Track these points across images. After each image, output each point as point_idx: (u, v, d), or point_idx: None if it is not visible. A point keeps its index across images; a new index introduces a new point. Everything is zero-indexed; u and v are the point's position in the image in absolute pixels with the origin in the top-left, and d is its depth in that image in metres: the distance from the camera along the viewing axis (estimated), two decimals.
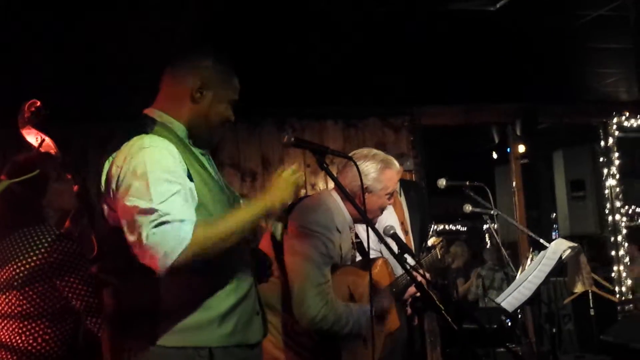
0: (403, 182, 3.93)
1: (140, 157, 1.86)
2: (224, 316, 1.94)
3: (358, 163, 2.76)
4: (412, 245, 3.73)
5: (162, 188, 1.82)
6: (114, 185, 1.88)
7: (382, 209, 2.95)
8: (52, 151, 2.34)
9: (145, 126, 1.99)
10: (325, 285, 2.61)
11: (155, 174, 1.83)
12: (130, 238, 1.81)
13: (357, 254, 3.04)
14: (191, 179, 1.93)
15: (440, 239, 3.60)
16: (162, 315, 1.89)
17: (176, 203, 1.82)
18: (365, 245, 2.51)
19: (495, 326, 5.72)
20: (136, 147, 1.89)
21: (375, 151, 2.96)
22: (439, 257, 3.47)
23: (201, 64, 2.09)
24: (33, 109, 2.27)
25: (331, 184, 3.21)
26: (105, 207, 1.94)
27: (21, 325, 2.35)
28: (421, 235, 3.85)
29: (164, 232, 1.77)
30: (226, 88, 2.11)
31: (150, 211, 1.78)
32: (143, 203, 1.80)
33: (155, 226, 1.77)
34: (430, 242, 3.55)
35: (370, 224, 2.28)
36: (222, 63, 2.12)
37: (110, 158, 1.93)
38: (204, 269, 1.88)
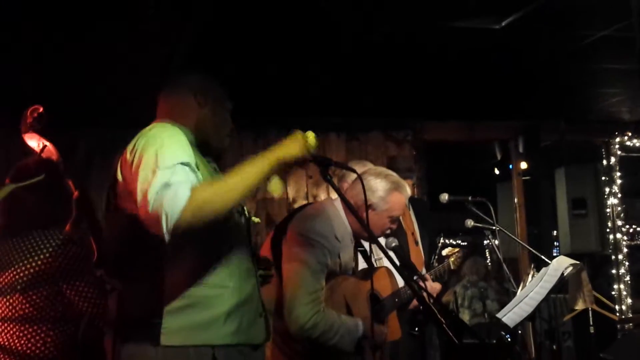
0: (410, 198, 3.95)
1: (153, 132, 1.94)
2: (229, 314, 1.95)
3: (369, 178, 2.77)
4: (422, 256, 3.74)
5: (170, 156, 1.85)
6: (129, 164, 1.90)
7: (382, 231, 2.85)
8: (54, 157, 2.35)
9: None
10: (319, 292, 2.60)
11: (166, 144, 1.88)
12: (141, 210, 1.80)
13: (360, 262, 3.03)
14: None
15: (457, 249, 3.59)
16: (166, 315, 1.89)
17: (182, 170, 1.83)
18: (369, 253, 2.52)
19: (495, 341, 5.70)
20: (148, 128, 1.98)
21: (390, 172, 2.91)
22: (451, 267, 3.47)
23: (192, 77, 2.19)
24: (36, 114, 2.26)
25: (333, 195, 3.21)
26: (121, 199, 1.95)
27: (22, 328, 2.35)
28: (430, 250, 3.87)
29: (164, 196, 1.76)
30: (221, 96, 2.20)
31: (156, 178, 1.79)
32: (152, 173, 1.81)
33: (158, 191, 1.77)
34: (445, 252, 3.54)
35: (374, 237, 2.28)
36: (209, 78, 2.21)
37: (126, 149, 1.96)
38: (207, 263, 1.91)
